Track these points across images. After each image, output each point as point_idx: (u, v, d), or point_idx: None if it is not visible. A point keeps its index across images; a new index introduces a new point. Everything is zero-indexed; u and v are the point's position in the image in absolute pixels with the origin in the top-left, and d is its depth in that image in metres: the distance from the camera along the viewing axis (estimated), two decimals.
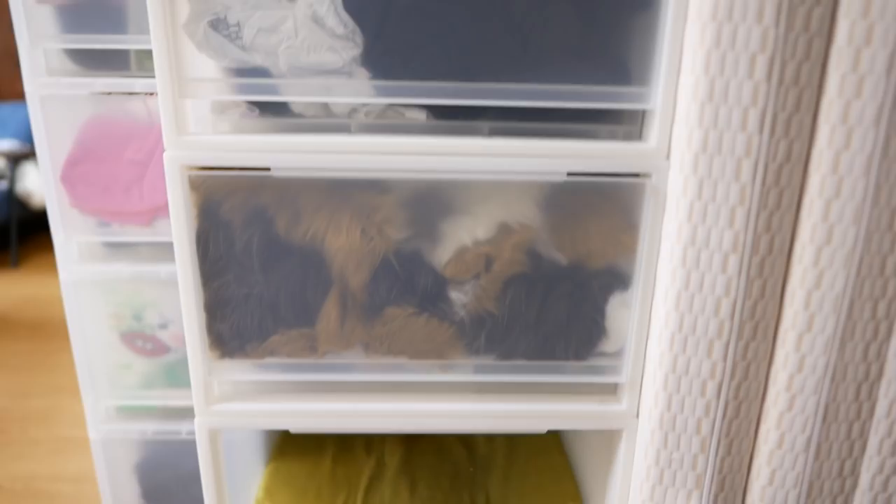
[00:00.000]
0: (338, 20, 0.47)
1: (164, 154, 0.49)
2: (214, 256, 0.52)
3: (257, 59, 0.48)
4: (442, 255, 0.53)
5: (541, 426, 0.57)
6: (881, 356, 0.51)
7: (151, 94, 0.64)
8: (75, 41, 0.63)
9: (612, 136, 0.52)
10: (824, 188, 0.47)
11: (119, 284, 0.70)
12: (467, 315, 0.54)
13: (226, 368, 0.55)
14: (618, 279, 0.54)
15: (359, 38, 0.47)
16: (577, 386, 0.57)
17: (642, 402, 0.56)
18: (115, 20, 0.63)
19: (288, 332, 0.54)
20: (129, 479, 0.78)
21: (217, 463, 0.58)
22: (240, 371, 0.55)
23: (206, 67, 0.49)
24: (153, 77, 0.48)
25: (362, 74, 0.49)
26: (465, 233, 0.53)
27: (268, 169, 0.50)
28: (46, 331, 2.17)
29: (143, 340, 0.74)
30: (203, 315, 0.53)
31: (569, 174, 0.50)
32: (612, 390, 0.58)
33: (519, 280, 0.53)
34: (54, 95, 0.64)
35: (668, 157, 0.50)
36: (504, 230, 0.53)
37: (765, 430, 0.54)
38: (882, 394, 0.52)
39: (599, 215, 0.53)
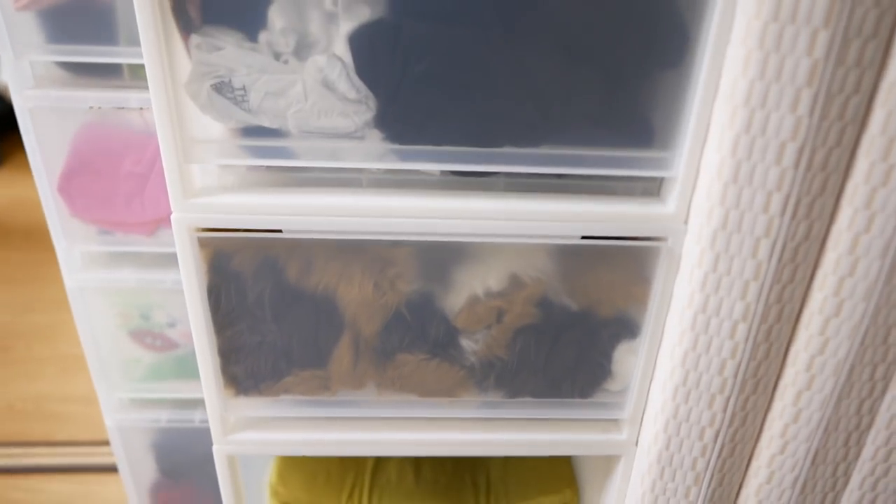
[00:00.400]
0: (349, 85, 0.44)
1: (172, 216, 0.48)
2: (226, 308, 0.52)
3: (265, 122, 0.46)
4: (454, 303, 0.53)
5: (544, 452, 0.60)
6: (873, 410, 0.53)
7: (147, 109, 0.61)
8: (62, 52, 0.58)
9: (629, 192, 0.51)
10: (839, 266, 0.47)
11: (124, 289, 0.70)
12: (477, 361, 0.55)
13: (241, 405, 0.57)
14: (626, 328, 0.55)
15: (372, 103, 0.45)
16: (580, 419, 0.59)
17: (642, 435, 0.59)
18: (102, 26, 0.59)
19: (301, 374, 0.56)
20: (147, 459, 0.82)
21: (236, 484, 0.61)
22: (254, 407, 0.57)
23: (211, 127, 0.46)
24: (147, 89, 0.45)
25: (375, 136, 0.47)
26: (477, 282, 0.53)
27: (279, 231, 0.49)
28: (40, 238, 2.13)
29: (153, 338, 0.75)
30: (217, 360, 0.54)
31: (583, 237, 0.50)
32: (613, 423, 0.60)
33: (529, 329, 0.54)
34: (44, 107, 0.61)
35: (686, 221, 0.49)
36: (516, 283, 0.53)
37: (756, 466, 0.57)
38: (870, 440, 0.54)
39: (612, 267, 0.53)
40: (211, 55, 0.43)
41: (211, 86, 0.44)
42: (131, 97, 0.60)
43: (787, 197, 0.44)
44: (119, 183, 0.65)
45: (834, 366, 0.50)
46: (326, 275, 0.52)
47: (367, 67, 0.44)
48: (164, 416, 0.77)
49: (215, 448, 0.58)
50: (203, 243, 0.49)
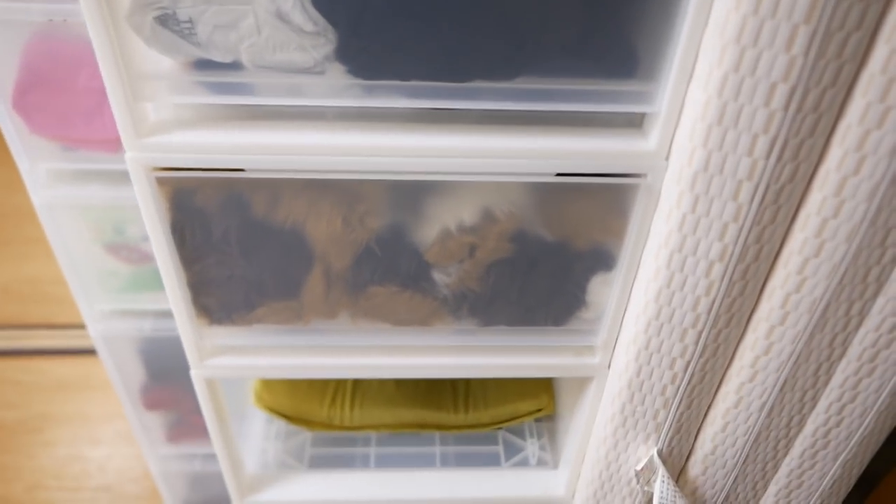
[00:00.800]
0: (305, 17, 0.40)
1: (126, 155, 0.46)
2: (192, 244, 0.51)
3: (216, 56, 0.42)
4: (425, 237, 0.52)
5: (518, 375, 0.61)
6: (846, 343, 0.53)
7: None
8: None
9: (608, 124, 0.48)
10: (823, 207, 0.45)
11: (95, 206, 0.69)
12: (450, 293, 0.54)
13: (215, 333, 0.57)
14: (602, 261, 0.54)
15: (331, 35, 0.41)
16: (554, 346, 0.60)
17: (614, 360, 0.59)
18: None
19: (273, 305, 0.55)
20: (134, 364, 0.84)
21: (217, 404, 0.62)
22: (229, 336, 0.57)
23: (161, 62, 0.43)
24: None
25: (336, 70, 0.43)
26: (449, 217, 0.51)
27: (241, 170, 0.46)
28: None
29: (128, 251, 0.74)
30: (187, 292, 0.53)
31: (558, 174, 0.48)
32: (587, 348, 0.61)
33: (503, 262, 0.53)
34: None
35: (667, 158, 0.47)
36: (489, 217, 0.51)
37: (724, 391, 0.58)
38: (839, 370, 0.55)
39: (589, 201, 0.51)
40: None
41: (154, 18, 0.40)
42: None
43: (774, 139, 0.42)
44: (76, 98, 0.61)
45: (809, 303, 0.50)
46: (294, 210, 0.50)
47: None
48: (147, 326, 0.78)
49: (193, 373, 0.59)
50: (162, 182, 0.47)
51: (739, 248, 0.47)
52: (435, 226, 0.51)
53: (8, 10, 0.55)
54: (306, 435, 0.81)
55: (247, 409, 0.80)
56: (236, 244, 0.51)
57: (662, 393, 0.57)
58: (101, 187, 0.67)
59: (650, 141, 0.47)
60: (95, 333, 0.78)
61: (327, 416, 0.78)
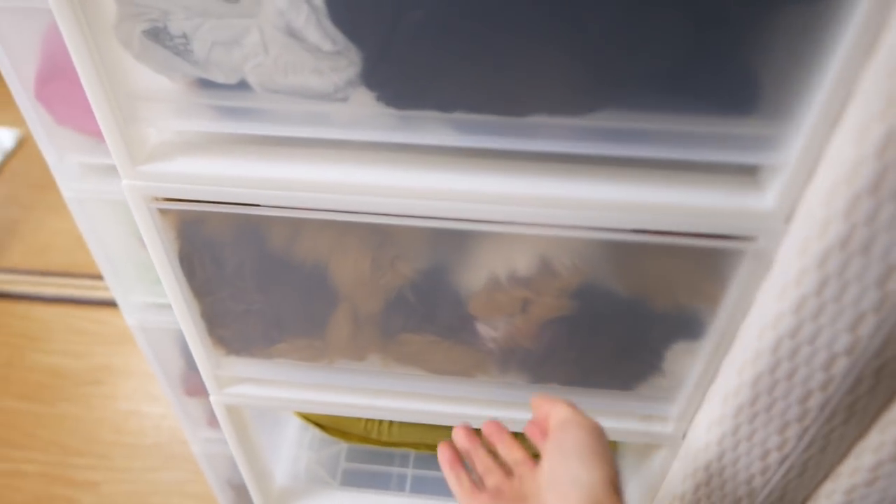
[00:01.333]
0: (322, 34, 0.31)
1: (122, 182, 0.39)
2: (202, 276, 0.44)
3: (218, 78, 0.34)
4: (469, 284, 0.43)
5: None
6: None
7: None
8: None
9: (710, 170, 0.37)
10: None
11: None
12: (497, 347, 0.46)
13: (233, 363, 0.51)
14: (687, 327, 0.43)
15: (355, 56, 0.32)
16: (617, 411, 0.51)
17: (691, 434, 0.50)
18: None
19: (294, 342, 0.48)
20: (173, 352, 0.80)
21: (241, 429, 0.57)
22: (248, 367, 0.51)
23: (156, 79, 0.35)
24: None
25: (363, 96, 0.34)
26: (499, 263, 0.42)
27: (255, 205, 0.39)
28: None
29: None
30: (202, 323, 0.47)
31: (639, 231, 0.37)
32: (658, 417, 0.51)
33: (561, 321, 0.44)
34: (3, 7, 0.50)
35: (787, 220, 0.36)
36: (547, 270, 0.41)
37: (829, 489, 0.47)
38: None
39: (677, 258, 0.41)
40: None
41: (143, 32, 0.32)
42: None
43: None
44: None
45: None
46: (316, 246, 0.42)
47: (344, 11, 0.30)
48: None
49: (212, 398, 0.54)
50: (165, 213, 0.40)
51: (877, 343, 0.36)
52: (482, 273, 0.43)
53: None
54: (341, 447, 0.76)
55: (280, 413, 0.75)
56: (251, 278, 0.44)
57: (749, 482, 0.47)
58: None
59: (767, 198, 0.36)
60: (133, 323, 0.75)
61: (364, 428, 0.72)
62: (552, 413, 0.37)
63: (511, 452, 0.40)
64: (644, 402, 0.49)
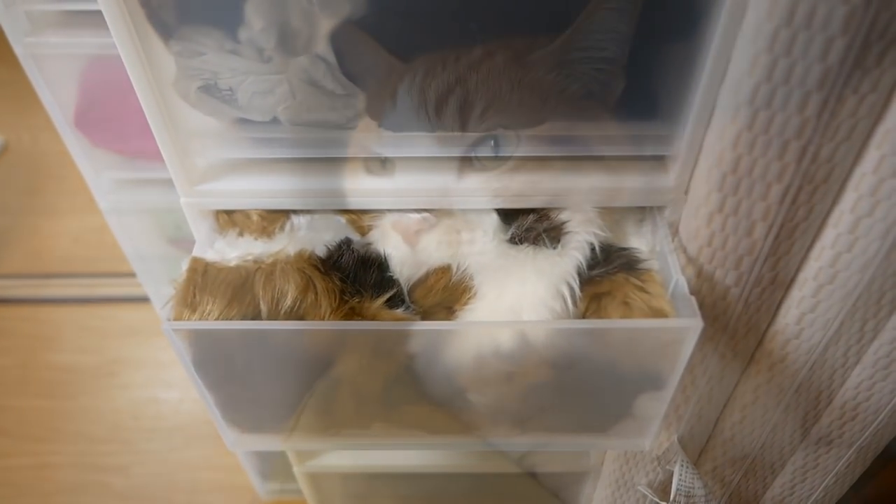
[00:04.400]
0: (335, 83, 0.43)
1: (181, 200, 0.50)
2: (215, 375, 0.52)
3: (256, 117, 0.45)
4: (459, 362, 0.50)
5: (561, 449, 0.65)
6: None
7: None
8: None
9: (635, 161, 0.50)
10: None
11: (155, 209, 0.74)
12: (488, 410, 0.55)
13: (249, 440, 0.59)
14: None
15: (360, 96, 0.44)
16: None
17: None
18: None
19: (304, 419, 0.56)
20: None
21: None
22: (262, 443, 0.60)
23: (206, 120, 0.46)
24: None
25: (369, 124, 0.46)
26: (484, 339, 0.49)
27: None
28: None
29: (189, 243, 0.79)
30: (216, 410, 0.55)
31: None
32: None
33: (544, 385, 0.52)
34: (46, 54, 0.60)
35: (686, 193, 0.49)
36: (526, 344, 0.49)
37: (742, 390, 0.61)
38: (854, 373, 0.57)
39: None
40: (193, 60, 0.42)
41: (198, 88, 0.43)
42: None
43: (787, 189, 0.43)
44: (130, 116, 0.65)
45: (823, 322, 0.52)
46: (321, 346, 0.50)
47: (350, 66, 0.42)
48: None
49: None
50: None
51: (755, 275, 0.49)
52: (469, 351, 0.50)
53: (67, 45, 0.59)
54: None
55: None
56: (259, 375, 0.53)
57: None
58: (158, 192, 0.72)
59: (670, 178, 0.48)
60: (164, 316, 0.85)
61: None
62: None
63: None
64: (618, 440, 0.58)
